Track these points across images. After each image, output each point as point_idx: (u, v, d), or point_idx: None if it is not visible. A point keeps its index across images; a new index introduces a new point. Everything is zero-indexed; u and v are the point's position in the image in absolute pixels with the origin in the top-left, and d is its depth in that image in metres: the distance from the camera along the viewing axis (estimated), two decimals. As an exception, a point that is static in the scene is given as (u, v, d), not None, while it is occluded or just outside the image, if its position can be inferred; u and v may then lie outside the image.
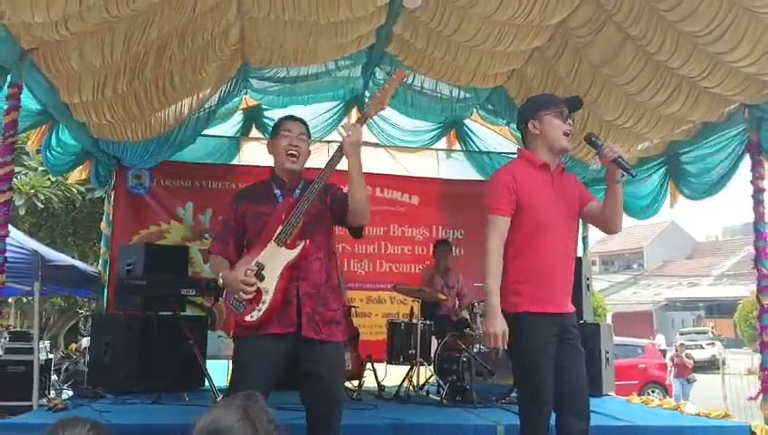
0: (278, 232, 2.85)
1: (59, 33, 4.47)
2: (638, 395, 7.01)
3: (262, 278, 2.80)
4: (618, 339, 20.79)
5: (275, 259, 2.82)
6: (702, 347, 26.19)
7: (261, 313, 2.79)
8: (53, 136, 6.12)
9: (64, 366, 10.12)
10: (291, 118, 3.19)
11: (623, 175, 3.01)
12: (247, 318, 2.83)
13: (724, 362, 15.28)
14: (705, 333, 32.47)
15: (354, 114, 7.59)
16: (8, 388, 6.40)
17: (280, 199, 2.97)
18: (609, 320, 34.17)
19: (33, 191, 9.33)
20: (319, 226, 2.96)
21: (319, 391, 2.87)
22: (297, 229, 2.85)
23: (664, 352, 17.72)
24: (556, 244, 3.05)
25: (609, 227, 3.19)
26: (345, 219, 2.98)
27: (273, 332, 2.83)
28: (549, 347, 3.00)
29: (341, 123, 2.80)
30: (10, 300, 12.55)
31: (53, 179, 9.42)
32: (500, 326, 2.92)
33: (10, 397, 6.26)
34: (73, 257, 10.20)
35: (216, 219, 7.27)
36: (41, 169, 9.54)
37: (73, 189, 9.68)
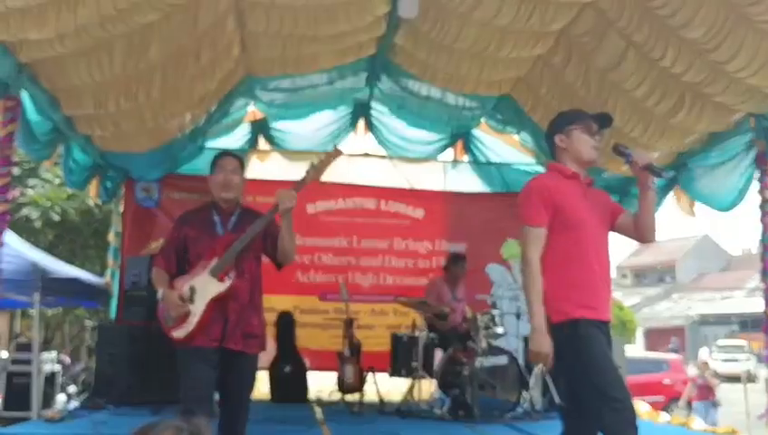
0: (213, 265, 3.24)
1: (55, 49, 4.51)
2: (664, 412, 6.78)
3: (193, 302, 3.23)
4: (643, 354, 20.35)
5: (206, 288, 3.24)
6: (737, 361, 25.70)
7: (186, 332, 3.22)
8: (69, 152, 6.19)
9: (82, 378, 10.24)
10: (225, 154, 3.55)
11: (655, 181, 2.97)
12: (174, 333, 3.25)
13: (753, 378, 14.82)
14: (742, 347, 31.82)
15: (361, 125, 7.58)
16: (14, 399, 6.48)
17: (218, 227, 3.38)
18: (639, 335, 33.57)
19: (49, 204, 9.43)
20: (251, 252, 3.34)
21: (231, 398, 3.30)
22: (230, 265, 3.25)
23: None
24: (597, 250, 2.96)
25: (645, 236, 3.08)
26: (274, 256, 3.40)
27: (198, 344, 3.21)
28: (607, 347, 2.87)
29: (278, 190, 3.21)
30: (32, 312, 12.74)
31: (70, 192, 9.52)
32: (547, 345, 2.80)
33: (15, 407, 6.34)
34: (94, 270, 10.34)
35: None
36: (57, 181, 9.65)
37: (89, 201, 9.78)
